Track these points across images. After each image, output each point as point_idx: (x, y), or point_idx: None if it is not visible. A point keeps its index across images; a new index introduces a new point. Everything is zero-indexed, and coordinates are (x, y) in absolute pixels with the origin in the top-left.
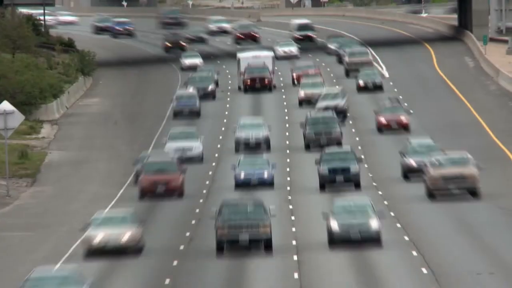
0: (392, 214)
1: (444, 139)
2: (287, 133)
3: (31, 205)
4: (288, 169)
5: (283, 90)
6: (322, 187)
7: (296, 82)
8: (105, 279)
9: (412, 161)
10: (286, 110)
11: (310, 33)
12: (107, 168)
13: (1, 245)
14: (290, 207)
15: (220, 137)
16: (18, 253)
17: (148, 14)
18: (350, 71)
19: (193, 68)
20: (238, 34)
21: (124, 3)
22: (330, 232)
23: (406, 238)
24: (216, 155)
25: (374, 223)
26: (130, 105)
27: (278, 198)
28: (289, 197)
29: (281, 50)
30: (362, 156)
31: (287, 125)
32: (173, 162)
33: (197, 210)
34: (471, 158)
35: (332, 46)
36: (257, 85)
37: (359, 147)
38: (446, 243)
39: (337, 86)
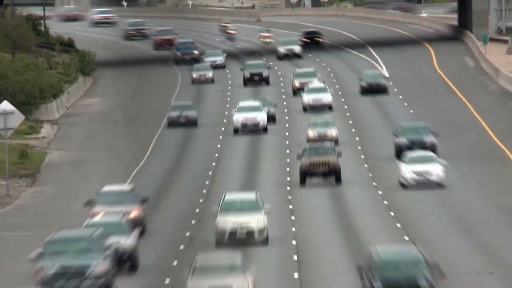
0: (392, 214)
1: (444, 138)
2: (287, 133)
3: (31, 205)
4: (288, 169)
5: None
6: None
7: None
8: None
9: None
10: (286, 111)
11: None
12: (107, 168)
13: (0, 244)
14: (290, 207)
15: (220, 137)
16: (17, 252)
17: (148, 14)
18: None
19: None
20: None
21: (124, 3)
22: None
23: (406, 238)
24: (216, 155)
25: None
26: (130, 105)
27: (278, 198)
28: (289, 197)
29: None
30: (362, 156)
31: (287, 125)
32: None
33: (197, 210)
34: None
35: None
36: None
37: (359, 147)
38: (446, 243)
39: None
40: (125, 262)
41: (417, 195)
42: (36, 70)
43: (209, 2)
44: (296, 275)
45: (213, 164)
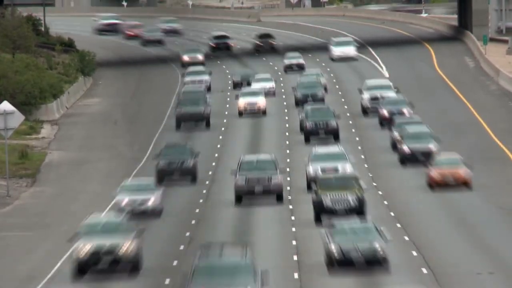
0: (392, 214)
1: (444, 139)
2: (287, 133)
3: (31, 205)
4: (288, 169)
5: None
6: None
7: None
8: (104, 280)
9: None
10: (286, 111)
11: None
12: (107, 168)
13: (0, 244)
14: (290, 207)
15: (220, 137)
16: (17, 253)
17: (149, 14)
18: None
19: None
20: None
21: (124, 3)
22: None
23: (406, 238)
24: (216, 155)
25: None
26: (130, 105)
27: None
28: (289, 197)
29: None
30: (362, 156)
31: (286, 125)
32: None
33: (197, 210)
34: None
35: None
36: None
37: (359, 147)
38: (446, 243)
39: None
40: None
41: (417, 195)
42: (36, 70)
43: (209, 2)
44: (296, 275)
45: (213, 164)
